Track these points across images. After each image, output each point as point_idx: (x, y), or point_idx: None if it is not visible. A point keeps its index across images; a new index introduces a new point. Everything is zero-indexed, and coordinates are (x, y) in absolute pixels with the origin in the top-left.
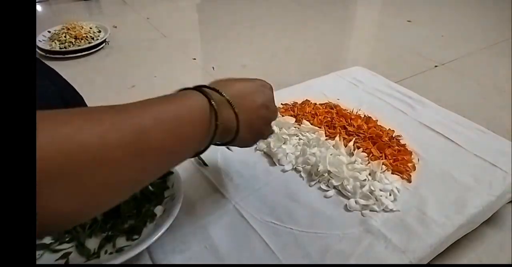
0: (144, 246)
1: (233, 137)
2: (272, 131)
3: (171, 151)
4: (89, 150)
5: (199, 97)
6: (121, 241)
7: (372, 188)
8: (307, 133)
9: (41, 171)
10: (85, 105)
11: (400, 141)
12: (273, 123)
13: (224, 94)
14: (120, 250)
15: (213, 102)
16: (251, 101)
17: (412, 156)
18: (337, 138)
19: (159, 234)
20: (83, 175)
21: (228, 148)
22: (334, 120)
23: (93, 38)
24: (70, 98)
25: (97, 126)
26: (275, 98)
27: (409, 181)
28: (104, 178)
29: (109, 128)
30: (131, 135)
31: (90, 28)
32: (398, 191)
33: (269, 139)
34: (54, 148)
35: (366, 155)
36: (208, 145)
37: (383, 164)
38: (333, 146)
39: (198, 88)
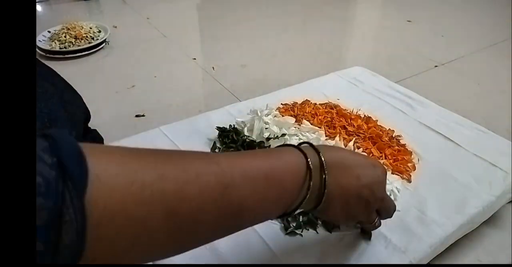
0: None
1: (313, 207)
2: (373, 220)
3: (254, 212)
4: (167, 200)
5: (295, 155)
6: None
7: None
8: (307, 133)
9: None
10: (84, 105)
11: (400, 141)
12: (272, 122)
13: (322, 156)
14: None
15: (310, 163)
16: (353, 176)
17: (412, 156)
18: (337, 138)
19: None
20: (150, 225)
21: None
22: (334, 120)
23: (93, 38)
24: (69, 98)
25: (181, 176)
26: (275, 98)
27: (409, 181)
28: (172, 232)
29: (193, 180)
30: (215, 188)
31: (90, 28)
32: (398, 191)
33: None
34: (129, 194)
35: (366, 155)
36: (296, 209)
37: (383, 164)
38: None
39: (297, 146)
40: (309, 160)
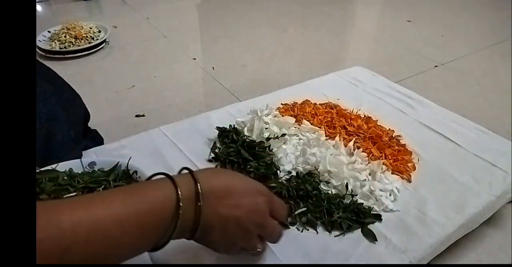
0: None
1: (188, 236)
2: (255, 246)
3: (109, 259)
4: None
5: (165, 190)
6: None
7: (372, 188)
8: (307, 133)
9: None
10: (84, 105)
11: (400, 140)
12: (272, 122)
13: (199, 185)
14: None
15: (180, 196)
16: (232, 204)
17: (412, 156)
18: (337, 138)
19: None
20: None
21: None
22: (334, 120)
23: (93, 38)
24: (68, 98)
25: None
26: (275, 98)
27: (409, 181)
28: None
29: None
30: (52, 255)
31: (90, 28)
32: (398, 191)
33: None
34: None
35: (366, 155)
36: (167, 241)
37: (383, 164)
38: (333, 146)
39: (172, 177)
40: (179, 193)
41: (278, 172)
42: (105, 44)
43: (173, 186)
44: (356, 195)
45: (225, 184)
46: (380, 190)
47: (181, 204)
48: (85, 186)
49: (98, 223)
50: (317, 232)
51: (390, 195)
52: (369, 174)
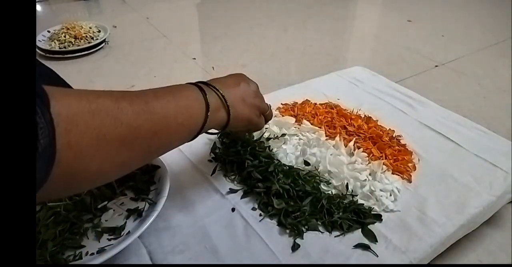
0: (127, 243)
1: (226, 117)
2: (267, 106)
3: (175, 119)
4: (110, 110)
5: (194, 89)
6: (103, 240)
7: (373, 188)
8: (307, 133)
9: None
10: None
11: (401, 141)
12: (272, 122)
13: (208, 82)
14: (102, 250)
15: (202, 86)
16: (233, 82)
17: (413, 156)
18: (337, 138)
19: (143, 229)
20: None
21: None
22: (334, 120)
23: (92, 38)
24: None
25: (114, 93)
26: (275, 98)
27: (410, 181)
28: (122, 139)
29: (121, 93)
30: (140, 101)
31: (90, 28)
32: (399, 191)
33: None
34: (81, 106)
35: (366, 155)
36: (201, 130)
37: (383, 164)
38: (333, 146)
39: (192, 83)
40: (205, 91)
41: None
42: (105, 44)
43: (194, 86)
44: (357, 195)
45: (220, 78)
46: (381, 190)
47: (206, 90)
48: None
49: (155, 114)
50: (317, 232)
51: (390, 195)
52: (370, 174)
